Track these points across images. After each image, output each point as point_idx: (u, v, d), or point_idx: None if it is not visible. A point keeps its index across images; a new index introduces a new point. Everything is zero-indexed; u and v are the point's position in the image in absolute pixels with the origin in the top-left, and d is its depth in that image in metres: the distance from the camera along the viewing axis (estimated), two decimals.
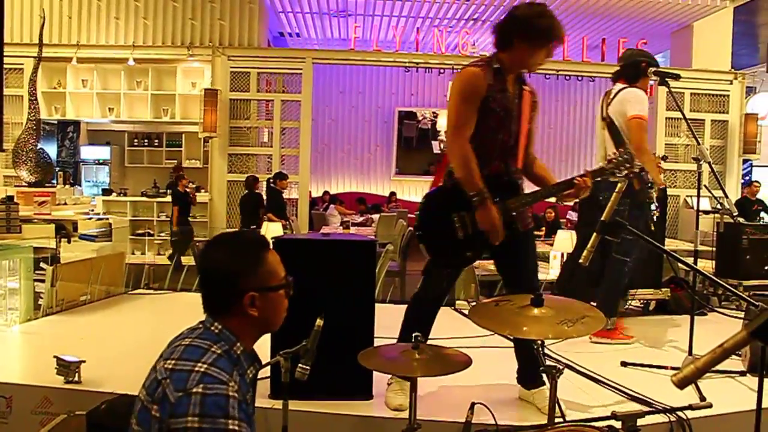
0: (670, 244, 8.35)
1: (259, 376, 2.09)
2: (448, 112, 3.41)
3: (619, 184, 3.19)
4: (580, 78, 11.74)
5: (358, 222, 13.53)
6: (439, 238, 3.37)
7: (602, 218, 2.87)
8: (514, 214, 3.41)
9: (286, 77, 10.71)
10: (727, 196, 4.77)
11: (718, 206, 5.79)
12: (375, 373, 3.39)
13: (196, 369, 1.80)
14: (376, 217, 13.25)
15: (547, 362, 2.60)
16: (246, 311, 1.93)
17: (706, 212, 10.52)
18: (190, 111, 10.95)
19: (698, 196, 4.47)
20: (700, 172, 5.46)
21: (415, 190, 16.40)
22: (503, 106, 3.37)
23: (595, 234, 2.81)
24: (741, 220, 9.09)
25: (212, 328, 1.93)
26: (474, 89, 3.30)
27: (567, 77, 11.59)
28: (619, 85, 5.04)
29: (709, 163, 4.16)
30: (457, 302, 6.07)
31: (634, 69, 4.90)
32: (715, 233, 8.70)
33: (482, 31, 13.29)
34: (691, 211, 10.52)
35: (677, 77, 4.20)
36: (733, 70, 11.68)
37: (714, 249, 8.19)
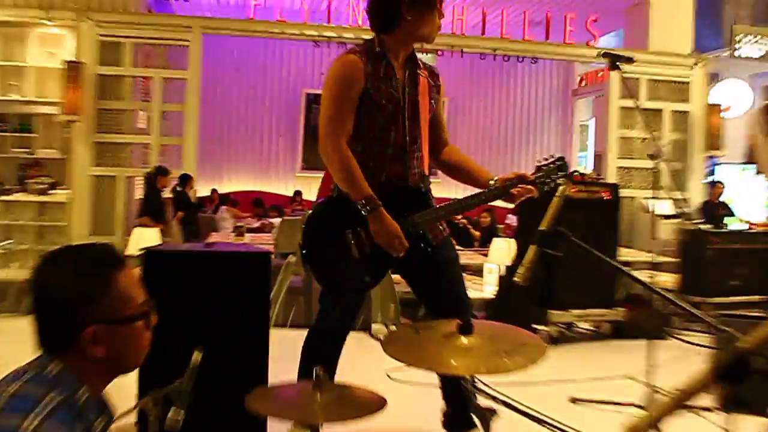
0: (624, 255, 8.51)
1: (118, 424, 1.97)
2: (321, 110, 3.43)
3: (561, 187, 3.21)
4: (520, 59, 11.88)
5: (254, 227, 13.42)
6: (331, 260, 3.36)
7: (540, 227, 2.86)
8: (424, 229, 3.42)
9: (170, 50, 10.50)
10: (684, 200, 4.86)
11: (679, 210, 5.92)
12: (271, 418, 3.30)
13: (24, 426, 1.64)
14: (276, 221, 13.13)
15: (480, 401, 2.56)
16: (89, 349, 1.79)
17: (666, 217, 10.79)
18: (46, 88, 10.59)
19: (655, 198, 4.52)
20: (657, 170, 5.57)
21: None
22: (390, 98, 3.40)
23: (532, 247, 2.79)
24: (704, 226, 9.31)
25: (47, 369, 1.78)
26: (348, 80, 3.35)
27: (505, 57, 11.71)
28: None
29: (666, 161, 4.22)
30: (373, 326, 6.03)
31: None
32: (676, 241, 8.92)
33: None
34: (647, 216, 10.78)
35: (630, 60, 4.28)
36: (695, 53, 12.03)
37: (676, 260, 8.37)
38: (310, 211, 3.45)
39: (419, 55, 3.59)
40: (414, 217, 3.38)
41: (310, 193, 15.84)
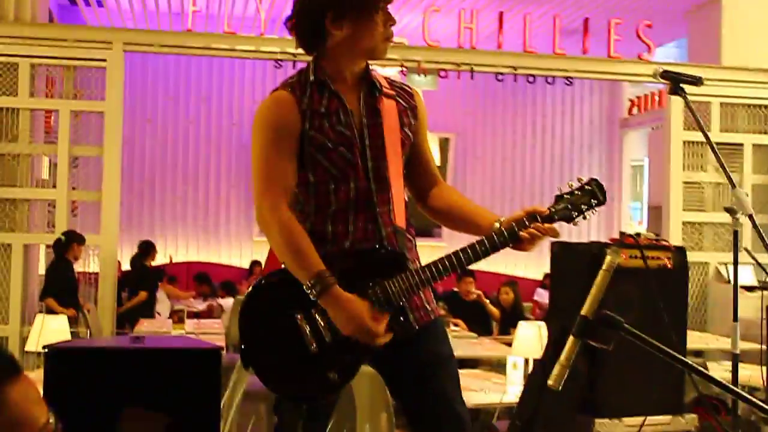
0: (696, 342, 8.52)
1: None
2: (251, 168, 3.47)
3: (608, 257, 3.19)
4: (550, 80, 12.01)
5: (198, 311, 13.37)
6: (281, 356, 3.34)
7: (582, 311, 2.87)
8: (402, 302, 3.39)
9: (81, 73, 10.55)
10: None
11: (767, 279, 5.96)
12: None
13: None
14: (227, 303, 13.09)
15: None
16: None
17: (749, 289, 10.72)
18: None
19: (735, 263, 4.54)
20: (736, 227, 5.58)
21: None
22: (340, 137, 3.43)
23: (571, 339, 2.80)
24: None
25: None
26: (279, 124, 3.40)
27: (530, 78, 11.83)
28: None
29: (750, 215, 4.25)
30: None
31: None
32: (764, 321, 8.90)
33: (406, 9, 13.50)
34: (726, 287, 10.78)
35: (698, 81, 4.29)
36: None
37: (764, 347, 8.36)
38: (247, 292, 3.42)
39: (400, 76, 3.63)
40: (385, 287, 3.35)
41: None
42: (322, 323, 3.30)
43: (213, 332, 9.89)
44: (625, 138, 18.30)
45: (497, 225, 3.43)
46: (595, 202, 3.49)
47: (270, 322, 3.34)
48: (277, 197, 3.33)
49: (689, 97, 4.23)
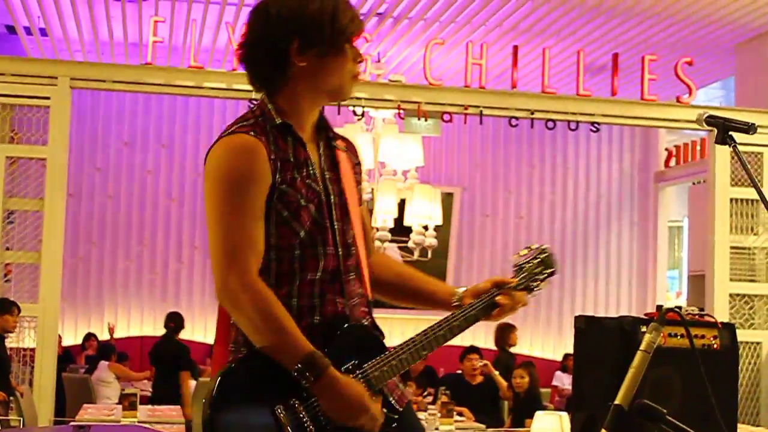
0: None
1: None
2: (208, 228, 3.41)
3: (648, 335, 3.16)
4: (573, 126, 12.03)
5: (154, 395, 13.20)
6: None
7: (616, 401, 2.85)
8: (383, 386, 3.41)
9: (20, 113, 10.54)
10: None
11: None
12: None
13: None
14: (188, 386, 12.97)
15: None
16: None
17: None
18: None
19: None
20: None
21: None
22: (311, 194, 3.42)
23: (604, 430, 2.78)
24: None
25: None
26: (247, 177, 3.33)
27: (549, 124, 11.84)
28: None
29: None
30: None
31: None
32: None
33: (405, 42, 13.54)
34: None
35: (751, 129, 4.28)
36: None
37: None
38: (212, 383, 3.33)
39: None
40: (365, 370, 3.38)
41: None
42: (307, 415, 3.27)
43: (171, 421, 9.80)
44: (661, 194, 18.21)
45: (456, 298, 3.63)
46: (548, 272, 3.70)
47: (241, 418, 3.29)
48: (248, 266, 3.28)
49: (739, 147, 4.21)
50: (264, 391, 3.30)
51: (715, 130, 4.30)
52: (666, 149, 17.85)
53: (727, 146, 4.25)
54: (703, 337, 6.36)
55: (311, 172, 3.42)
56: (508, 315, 3.59)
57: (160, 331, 16.49)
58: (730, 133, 4.28)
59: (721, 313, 10.79)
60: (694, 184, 16.69)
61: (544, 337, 16.94)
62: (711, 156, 11.51)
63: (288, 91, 3.45)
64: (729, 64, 13.49)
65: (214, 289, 3.38)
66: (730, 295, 11.16)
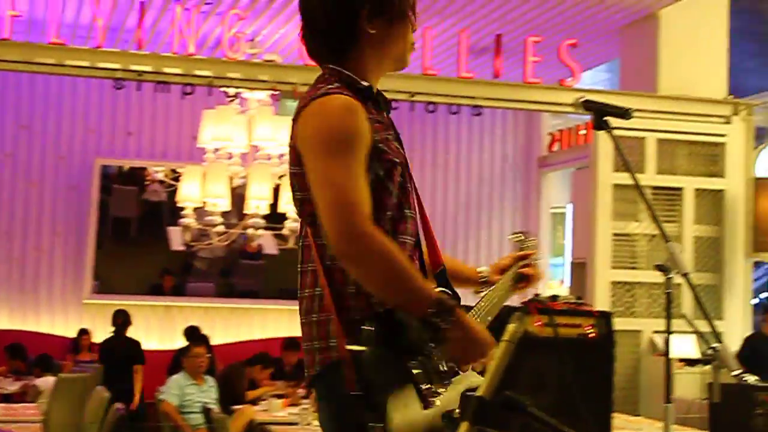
0: (623, 428, 8.49)
1: None
2: (318, 187, 3.44)
3: (510, 326, 3.12)
4: (454, 109, 12.02)
5: (9, 392, 13.29)
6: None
7: (477, 392, 2.81)
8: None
9: None
10: (717, 335, 4.89)
11: (709, 351, 6.02)
12: None
13: None
14: (45, 382, 12.81)
15: None
16: None
17: (689, 362, 10.77)
18: None
19: (668, 332, 4.52)
20: (670, 291, 5.60)
21: (137, 323, 16.04)
22: (400, 156, 3.63)
23: (464, 426, 2.73)
24: (751, 378, 9.25)
25: None
26: (358, 135, 3.46)
27: (430, 106, 11.83)
28: None
29: (685, 274, 4.24)
30: None
31: None
32: (706, 402, 8.95)
33: (282, 18, 13.40)
34: (660, 362, 10.82)
35: (626, 114, 4.27)
36: (731, 97, 12.31)
37: None
38: (360, 351, 3.41)
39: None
40: (477, 311, 3.77)
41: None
42: (432, 362, 3.45)
43: (27, 420, 9.68)
44: (544, 180, 18.26)
45: (484, 272, 4.06)
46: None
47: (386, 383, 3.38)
48: (369, 217, 3.39)
49: (620, 132, 4.21)
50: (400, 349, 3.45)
51: (593, 115, 4.30)
52: (549, 134, 17.87)
53: (605, 131, 4.25)
54: (579, 326, 6.38)
55: (394, 134, 3.65)
56: (534, 285, 4.03)
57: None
58: (605, 117, 4.27)
59: (602, 301, 10.89)
60: (577, 169, 16.75)
61: None
62: (593, 141, 11.59)
63: (356, 59, 3.63)
64: (614, 47, 13.57)
65: (333, 247, 3.40)
66: (612, 283, 11.26)
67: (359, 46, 3.61)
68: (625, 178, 11.25)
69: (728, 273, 11.72)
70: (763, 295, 13.78)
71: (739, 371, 5.01)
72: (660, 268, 5.09)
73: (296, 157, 3.54)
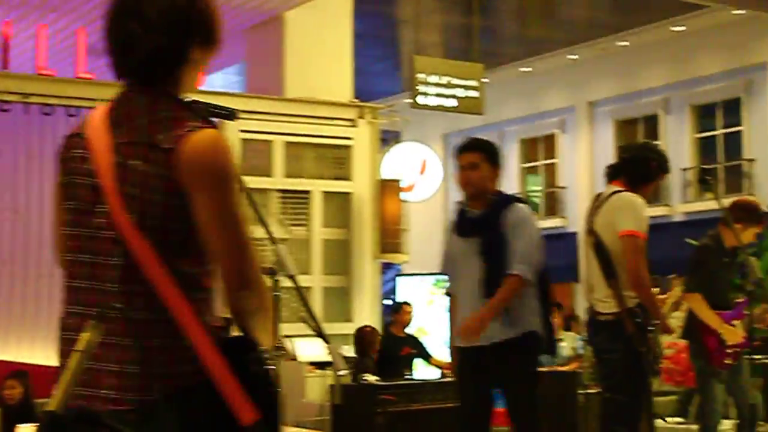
0: None
1: None
2: (230, 223, 3.51)
3: (84, 334, 2.99)
4: (73, 111, 11.78)
5: None
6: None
7: (48, 407, 2.75)
8: None
9: None
10: (324, 336, 5.08)
11: (337, 354, 6.22)
12: None
13: None
14: None
15: None
16: None
17: (319, 365, 10.75)
18: None
19: (284, 335, 4.51)
20: (278, 293, 5.70)
21: None
22: None
23: None
24: (371, 378, 9.37)
25: None
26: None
27: (47, 109, 11.56)
28: (612, 188, 6.83)
29: (291, 276, 4.34)
30: None
31: (639, 167, 6.82)
32: (329, 406, 9.04)
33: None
34: (294, 365, 10.82)
35: (231, 116, 4.26)
36: (356, 101, 12.51)
37: None
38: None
39: None
40: None
41: None
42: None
43: None
44: None
45: None
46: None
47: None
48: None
49: (247, 135, 4.22)
50: None
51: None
52: None
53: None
54: None
55: None
56: None
57: None
58: (211, 119, 4.29)
59: None
60: None
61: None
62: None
63: (174, 88, 3.63)
64: (240, 50, 13.61)
65: (240, 281, 3.43)
66: None
67: (180, 73, 3.62)
68: (252, 181, 11.26)
69: (357, 275, 11.92)
70: (392, 298, 14.11)
71: (345, 371, 5.25)
72: (268, 271, 5.20)
73: None
